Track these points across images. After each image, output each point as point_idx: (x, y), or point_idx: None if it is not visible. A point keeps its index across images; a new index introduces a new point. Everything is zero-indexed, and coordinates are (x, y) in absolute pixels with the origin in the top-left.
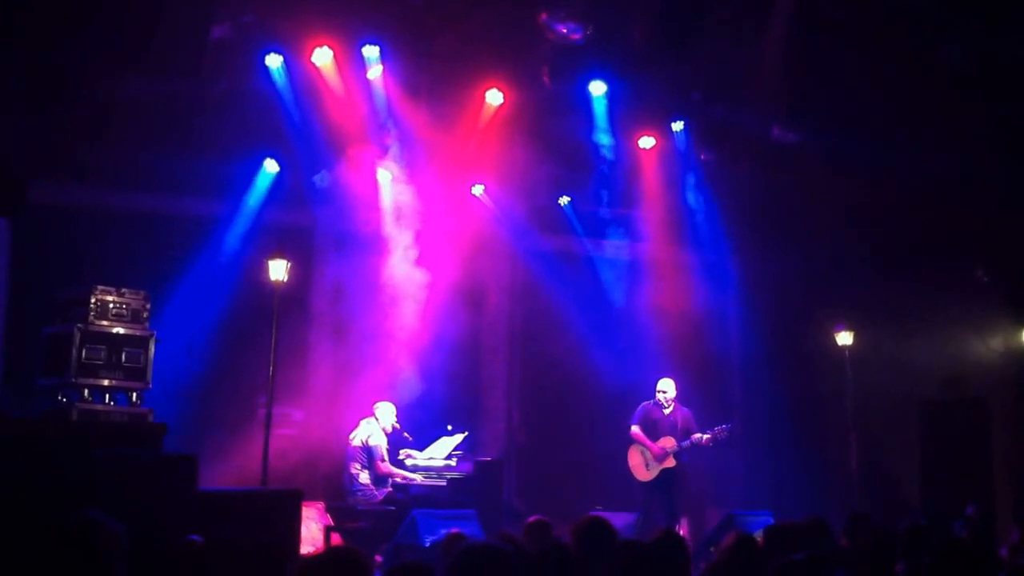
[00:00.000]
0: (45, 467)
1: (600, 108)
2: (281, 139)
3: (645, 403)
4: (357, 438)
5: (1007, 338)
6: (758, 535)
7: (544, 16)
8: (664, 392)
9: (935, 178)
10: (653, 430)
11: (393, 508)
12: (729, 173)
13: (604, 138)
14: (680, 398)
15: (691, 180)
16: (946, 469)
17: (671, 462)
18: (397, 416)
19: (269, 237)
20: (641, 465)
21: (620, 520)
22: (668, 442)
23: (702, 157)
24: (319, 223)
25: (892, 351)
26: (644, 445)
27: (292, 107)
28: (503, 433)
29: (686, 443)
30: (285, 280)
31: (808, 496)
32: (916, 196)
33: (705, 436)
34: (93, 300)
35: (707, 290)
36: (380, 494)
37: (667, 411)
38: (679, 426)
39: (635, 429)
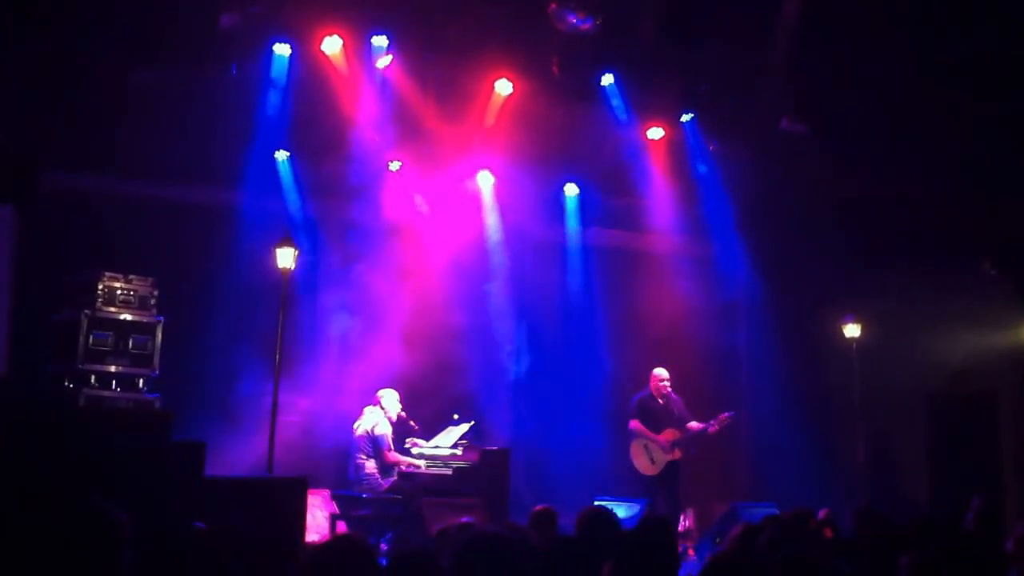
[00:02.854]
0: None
1: (610, 98)
2: (290, 128)
3: (639, 395)
4: (361, 427)
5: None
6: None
7: (554, 6)
8: (667, 380)
9: (944, 171)
10: (653, 422)
11: (399, 497)
12: (737, 164)
13: (615, 127)
14: (681, 389)
15: (699, 171)
16: (954, 463)
17: (677, 454)
18: (403, 405)
19: (277, 225)
20: (646, 460)
21: (625, 511)
22: (672, 434)
23: (711, 148)
24: (327, 212)
25: (900, 344)
26: (647, 439)
27: (301, 96)
28: (510, 422)
29: (689, 433)
30: (293, 268)
31: (814, 489)
32: (925, 189)
33: (710, 426)
34: (100, 286)
35: (714, 281)
36: (386, 483)
37: (662, 402)
38: (675, 415)
39: (635, 423)
